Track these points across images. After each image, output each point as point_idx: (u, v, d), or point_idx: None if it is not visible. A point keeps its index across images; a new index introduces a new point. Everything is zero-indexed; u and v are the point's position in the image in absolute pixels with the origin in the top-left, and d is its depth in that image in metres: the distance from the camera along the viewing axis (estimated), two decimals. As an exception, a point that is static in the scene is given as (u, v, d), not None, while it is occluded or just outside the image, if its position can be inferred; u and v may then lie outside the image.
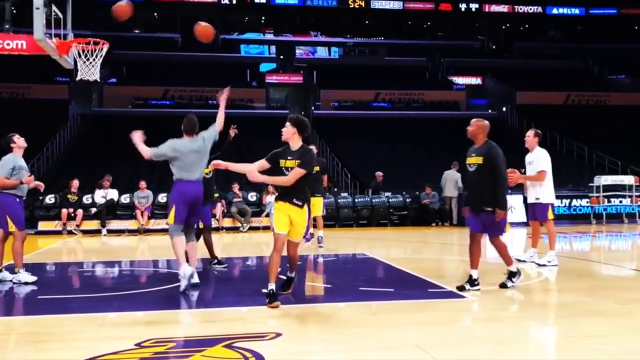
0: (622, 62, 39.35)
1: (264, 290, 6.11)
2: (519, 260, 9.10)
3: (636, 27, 43.38)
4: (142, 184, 17.11)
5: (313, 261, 10.10)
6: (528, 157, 8.97)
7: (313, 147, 7.18)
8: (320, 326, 5.29)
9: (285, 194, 6.15)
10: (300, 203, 6.10)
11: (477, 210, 6.76)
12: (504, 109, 35.36)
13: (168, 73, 34.80)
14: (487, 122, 6.95)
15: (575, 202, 18.37)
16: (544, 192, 8.73)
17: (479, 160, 6.69)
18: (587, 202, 18.29)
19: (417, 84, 36.12)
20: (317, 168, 11.51)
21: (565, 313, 5.94)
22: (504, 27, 44.78)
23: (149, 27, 42.16)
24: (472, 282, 6.74)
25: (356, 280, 7.73)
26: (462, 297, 6.49)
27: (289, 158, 6.13)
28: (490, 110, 35.68)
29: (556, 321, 5.70)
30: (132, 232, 16.43)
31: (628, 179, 18.76)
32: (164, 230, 16.46)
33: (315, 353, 4.40)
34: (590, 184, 18.56)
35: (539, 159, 8.73)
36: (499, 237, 6.84)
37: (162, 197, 17.31)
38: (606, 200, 18.23)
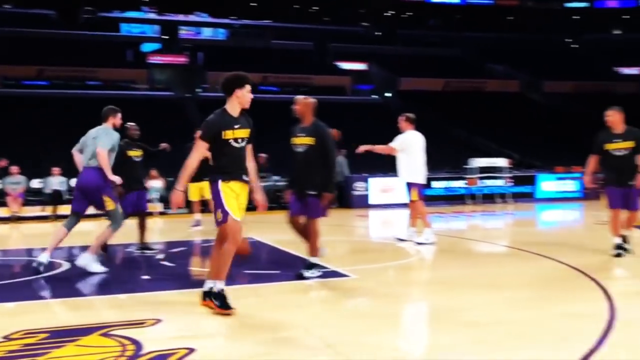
0: (498, 50, 41.54)
1: (208, 289, 5.02)
2: (400, 240, 9.43)
3: (511, 17, 45.88)
4: (14, 168, 16.08)
5: (199, 246, 9.96)
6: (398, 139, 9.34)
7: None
8: (203, 311, 5.22)
9: (239, 170, 5.12)
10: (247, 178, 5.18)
11: (302, 194, 6.41)
12: (388, 94, 36.40)
13: (43, 52, 32.82)
14: (314, 100, 6.66)
15: (452, 184, 19.26)
16: (411, 172, 9.08)
17: (310, 140, 6.35)
18: (464, 183, 19.22)
19: (304, 68, 36.34)
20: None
21: (440, 288, 6.22)
22: (387, 14, 45.91)
23: (20, 2, 39.50)
24: (310, 266, 6.46)
25: (242, 264, 7.69)
26: (346, 275, 6.63)
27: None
28: (374, 96, 36.60)
29: (433, 296, 5.96)
30: (3, 220, 15.42)
31: (501, 161, 19.90)
32: (39, 218, 15.64)
33: (196, 338, 4.33)
34: (466, 166, 19.51)
35: (405, 140, 9.08)
36: (316, 221, 6.44)
37: (36, 183, 16.35)
38: (481, 181, 19.24)
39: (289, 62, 36.46)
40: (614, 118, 7.61)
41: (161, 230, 13.01)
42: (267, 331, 4.49)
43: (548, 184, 19.95)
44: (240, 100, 5.13)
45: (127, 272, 7.72)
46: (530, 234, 12.10)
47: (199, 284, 6.77)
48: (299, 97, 6.72)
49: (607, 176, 7.72)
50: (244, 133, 5.13)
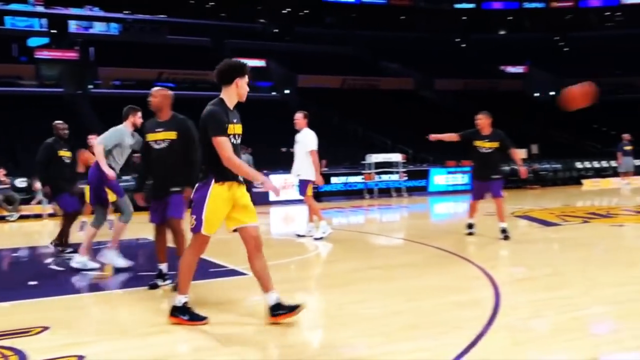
0: (391, 49, 42.62)
1: (181, 304, 4.60)
2: (299, 235, 9.51)
3: (403, 17, 47.19)
4: None
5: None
6: (297, 137, 9.41)
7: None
8: (91, 316, 5.04)
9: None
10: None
11: (162, 194, 5.77)
12: (287, 91, 36.50)
13: None
14: (170, 91, 5.97)
15: (350, 179, 19.62)
16: (306, 169, 9.21)
17: (172, 135, 5.73)
18: (362, 178, 19.64)
19: (201, 64, 35.71)
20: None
21: (338, 282, 6.31)
22: (284, 11, 46.00)
23: None
24: (162, 276, 6.00)
25: (135, 266, 7.47)
26: (244, 274, 6.59)
27: None
28: (273, 93, 36.58)
29: (331, 290, 6.04)
30: None
31: (396, 157, 20.49)
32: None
33: (84, 344, 4.16)
34: (363, 162, 19.94)
35: (306, 139, 9.20)
36: (180, 221, 5.78)
37: None
38: (377, 176, 19.73)
39: (185, 58, 35.71)
40: (483, 121, 8.83)
41: (51, 233, 12.39)
42: (157, 335, 4.39)
43: (440, 178, 20.76)
44: (239, 91, 4.66)
45: (11, 277, 7.31)
46: (424, 226, 12.54)
47: (89, 288, 6.54)
48: (156, 89, 5.96)
49: (474, 170, 9.14)
50: (240, 129, 4.64)
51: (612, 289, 5.42)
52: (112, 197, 7.11)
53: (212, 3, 44.21)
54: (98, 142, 6.98)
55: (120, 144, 6.98)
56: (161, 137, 5.74)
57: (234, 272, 6.71)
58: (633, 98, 38.73)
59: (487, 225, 9.64)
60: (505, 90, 39.08)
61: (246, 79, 4.69)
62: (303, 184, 9.31)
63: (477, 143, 8.84)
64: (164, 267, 5.99)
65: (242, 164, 4.46)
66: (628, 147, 21.07)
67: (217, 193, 4.44)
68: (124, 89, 32.62)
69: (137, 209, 6.81)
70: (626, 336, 4.09)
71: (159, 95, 5.80)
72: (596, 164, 25.55)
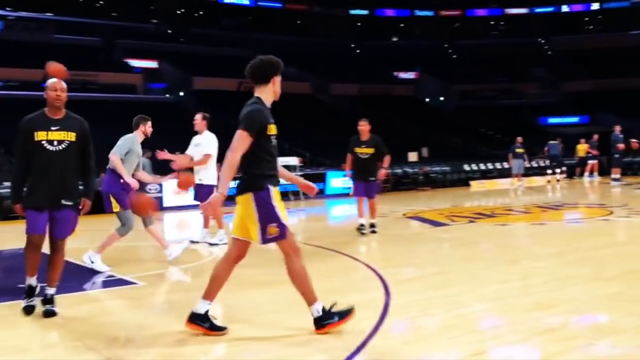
0: (288, 52, 42.83)
1: (204, 311, 4.40)
2: (193, 242, 9.32)
3: (299, 21, 47.59)
4: None
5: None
6: (196, 139, 9.19)
7: None
8: (14, 325, 4.73)
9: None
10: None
11: (55, 205, 4.96)
12: (181, 93, 35.82)
13: None
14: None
15: (246, 183, 19.46)
16: (207, 174, 9.02)
17: (71, 136, 4.99)
18: (259, 182, 19.56)
19: (91, 65, 34.35)
20: None
21: (232, 288, 6.23)
22: (179, 12, 45.15)
23: None
24: (31, 293, 5.13)
25: (17, 277, 7.05)
26: (134, 283, 6.38)
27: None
28: (167, 95, 35.81)
29: (221, 295, 5.95)
30: None
31: (294, 160, 20.61)
32: None
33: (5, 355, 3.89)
34: (260, 166, 19.85)
35: (206, 142, 9.01)
36: (66, 241, 5.12)
37: None
38: (275, 180, 19.73)
39: (73, 58, 34.15)
40: (364, 128, 9.79)
41: None
42: (46, 350, 4.16)
43: (337, 181, 21.07)
44: (276, 89, 4.37)
45: None
46: (319, 229, 12.67)
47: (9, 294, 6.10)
48: (55, 80, 5.19)
49: (354, 173, 9.94)
50: (276, 130, 4.34)
51: (495, 285, 5.70)
52: (115, 207, 7.17)
53: (102, 2, 42.68)
54: (113, 153, 7.19)
55: (131, 152, 7.22)
56: (58, 137, 4.94)
57: (122, 282, 6.48)
58: (515, 103, 41.12)
59: (382, 227, 9.89)
60: (398, 96, 40.32)
61: (280, 76, 4.43)
62: (205, 189, 9.05)
63: (356, 149, 9.77)
64: (33, 281, 5.12)
65: (230, 167, 4.20)
66: (520, 150, 22.37)
67: (277, 196, 4.29)
68: (7, 90, 30.80)
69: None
70: (506, 331, 4.31)
71: (65, 89, 5.10)
72: (482, 166, 26.88)
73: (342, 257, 7.72)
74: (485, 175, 26.16)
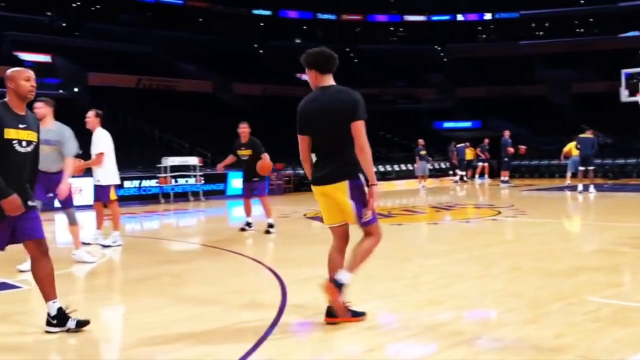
0: (189, 50, 42.09)
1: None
2: (84, 244, 8.95)
3: (201, 19, 46.86)
4: None
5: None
6: (93, 138, 8.87)
7: None
8: None
9: None
10: None
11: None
12: (76, 89, 34.42)
13: None
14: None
15: (145, 183, 18.95)
16: (104, 173, 8.72)
17: (34, 136, 4.39)
18: (157, 182, 19.08)
19: (-24, 56, 32.30)
20: None
21: (125, 290, 6.05)
22: (74, 4, 43.31)
23: None
24: None
25: None
26: (17, 287, 6.05)
27: None
28: (61, 90, 34.22)
29: (111, 302, 5.77)
30: None
31: (193, 160, 20.24)
32: None
33: None
34: (159, 165, 19.39)
35: (98, 140, 8.69)
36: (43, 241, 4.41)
37: None
38: (174, 180, 19.32)
39: (-44, 49, 32.08)
40: (243, 130, 10.27)
41: None
42: None
43: (238, 181, 20.87)
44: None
45: None
46: (220, 230, 12.53)
47: None
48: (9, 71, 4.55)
49: (242, 174, 10.68)
50: None
51: (388, 283, 5.85)
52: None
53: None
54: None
55: None
56: (26, 138, 4.30)
57: (5, 285, 6.13)
58: (413, 108, 42.44)
59: (282, 227, 9.91)
60: (299, 97, 40.53)
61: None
62: (104, 190, 8.76)
63: (238, 152, 10.26)
64: None
65: (370, 159, 4.30)
66: (423, 152, 23.16)
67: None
68: None
69: None
70: (397, 327, 4.44)
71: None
72: (381, 168, 27.55)
73: (240, 257, 7.68)
74: (384, 176, 26.84)
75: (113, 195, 8.82)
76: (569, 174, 19.74)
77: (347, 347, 4.01)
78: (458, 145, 26.27)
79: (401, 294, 5.43)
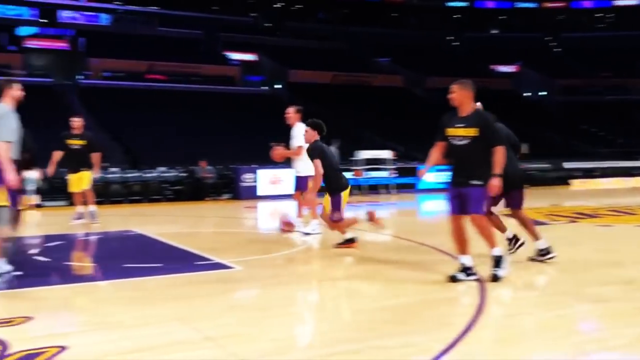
0: (383, 45, 42.62)
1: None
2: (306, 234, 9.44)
3: (396, 14, 47.20)
4: None
5: (77, 240, 9.52)
6: (292, 132, 9.37)
7: None
8: (76, 307, 5.01)
9: None
10: None
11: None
12: (277, 86, 36.43)
13: None
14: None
15: (340, 175, 19.50)
16: (303, 165, 9.13)
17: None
18: (351, 174, 19.59)
19: (193, 57, 35.60)
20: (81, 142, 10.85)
21: (325, 277, 6.29)
22: (277, 5, 45.88)
23: None
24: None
25: (121, 258, 7.44)
26: (230, 267, 6.58)
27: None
28: (264, 87, 36.52)
29: (315, 286, 6.03)
30: None
31: (386, 154, 20.49)
32: None
33: (67, 335, 4.14)
34: (353, 158, 19.89)
35: (297, 134, 9.13)
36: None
37: None
38: (367, 172, 19.72)
39: (177, 50, 35.58)
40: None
41: (38, 223, 12.32)
42: (140, 327, 4.36)
43: (428, 175, 20.74)
44: None
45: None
46: (412, 223, 12.55)
47: (74, 278, 6.50)
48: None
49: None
50: None
51: (598, 288, 5.44)
52: None
53: (204, -5, 44.00)
54: None
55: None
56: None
57: (219, 265, 6.69)
58: (622, 99, 38.96)
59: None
60: (496, 90, 39.20)
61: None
62: (303, 180, 9.22)
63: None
64: None
65: None
66: None
67: None
68: (114, 80, 32.42)
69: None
70: (607, 335, 4.13)
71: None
72: (581, 165, 25.68)
73: (436, 251, 7.64)
74: (587, 174, 25.01)
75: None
76: None
77: (552, 352, 3.81)
78: None
79: (612, 299, 5.03)
